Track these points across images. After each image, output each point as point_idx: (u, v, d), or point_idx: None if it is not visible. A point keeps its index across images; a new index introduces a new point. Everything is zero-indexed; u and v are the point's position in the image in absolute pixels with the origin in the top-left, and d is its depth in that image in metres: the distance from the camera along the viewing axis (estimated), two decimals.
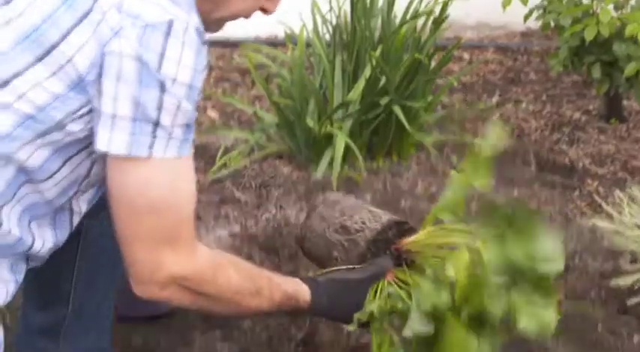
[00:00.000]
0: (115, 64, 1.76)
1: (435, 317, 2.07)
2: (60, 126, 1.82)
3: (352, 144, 3.72)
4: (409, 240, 2.26)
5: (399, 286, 2.16)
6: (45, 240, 1.97)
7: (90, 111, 1.81)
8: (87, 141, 1.86)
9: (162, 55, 1.76)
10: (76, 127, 1.83)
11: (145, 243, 1.86)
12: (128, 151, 1.79)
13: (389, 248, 2.30)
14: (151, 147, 1.79)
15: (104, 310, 2.34)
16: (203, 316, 2.87)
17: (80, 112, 1.81)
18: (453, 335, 2.02)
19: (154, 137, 1.78)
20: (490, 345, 2.06)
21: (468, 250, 2.08)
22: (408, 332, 2.09)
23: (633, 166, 3.99)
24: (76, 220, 2.05)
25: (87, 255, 2.25)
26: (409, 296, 2.12)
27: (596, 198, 3.49)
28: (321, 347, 2.73)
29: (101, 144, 1.80)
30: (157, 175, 1.82)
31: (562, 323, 2.88)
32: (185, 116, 1.81)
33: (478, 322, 2.05)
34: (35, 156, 1.84)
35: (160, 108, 1.77)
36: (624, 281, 2.97)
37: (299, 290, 2.17)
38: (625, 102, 4.59)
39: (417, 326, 2.09)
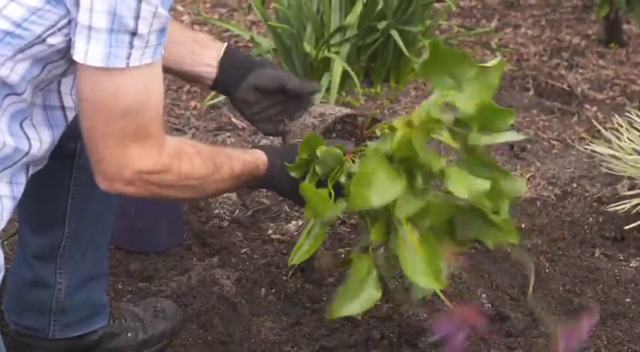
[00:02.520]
0: None
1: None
2: (40, 39, 1.80)
3: (350, 70, 3.69)
4: (375, 126, 2.22)
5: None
6: (42, 140, 1.96)
7: (69, 22, 1.79)
8: (65, 52, 1.84)
9: None
10: (56, 40, 1.81)
11: (114, 142, 1.85)
12: (105, 63, 1.76)
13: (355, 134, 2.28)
14: (128, 58, 1.77)
15: (100, 233, 2.34)
16: (200, 243, 2.88)
17: (59, 25, 1.79)
18: (380, 172, 2.00)
19: (131, 48, 1.76)
20: (419, 199, 2.02)
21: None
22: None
23: (632, 91, 3.97)
24: (71, 115, 2.03)
25: (81, 176, 2.23)
26: None
27: (595, 123, 3.47)
28: (317, 273, 2.74)
29: (78, 56, 1.77)
30: (132, 82, 1.81)
31: (559, 249, 2.91)
32: (160, 21, 1.78)
33: (409, 172, 2.02)
34: (16, 70, 1.82)
35: (137, 17, 1.75)
36: (622, 207, 2.97)
37: (257, 156, 2.12)
38: (625, 26, 4.54)
39: (353, 169, 2.08)
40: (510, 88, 3.95)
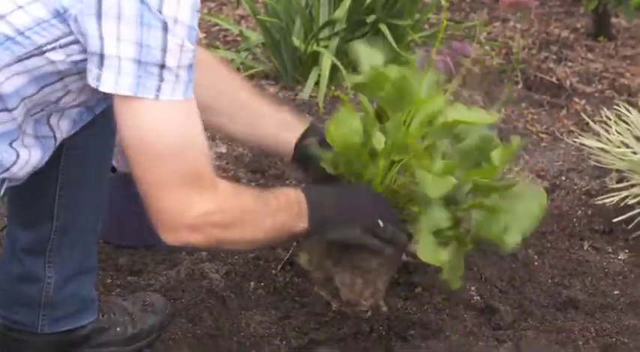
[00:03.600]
0: (114, 4, 1.75)
1: None
2: (40, 51, 1.81)
3: (339, 64, 3.69)
4: None
5: None
6: (30, 160, 1.97)
7: (71, 43, 1.80)
8: (64, 75, 1.86)
9: None
10: (57, 57, 1.82)
11: (171, 188, 1.86)
12: (134, 92, 1.78)
13: None
14: (158, 90, 1.79)
15: (90, 227, 2.33)
16: None
17: (61, 42, 1.80)
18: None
19: (161, 80, 1.78)
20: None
21: None
22: None
23: (621, 84, 3.97)
24: (59, 140, 2.05)
25: (69, 169, 2.23)
26: None
27: (584, 116, 3.48)
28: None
29: (108, 87, 1.79)
30: (169, 117, 1.82)
31: (548, 241, 2.92)
32: (188, 56, 1.80)
33: None
34: (12, 82, 1.83)
35: (164, 49, 1.77)
36: (610, 200, 2.98)
37: (297, 193, 2.11)
38: (613, 20, 4.55)
39: None
40: (499, 82, 3.95)
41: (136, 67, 1.77)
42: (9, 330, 2.34)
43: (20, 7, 1.78)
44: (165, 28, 1.76)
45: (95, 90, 1.85)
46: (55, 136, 2.04)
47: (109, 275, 2.71)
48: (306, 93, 3.71)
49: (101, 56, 1.77)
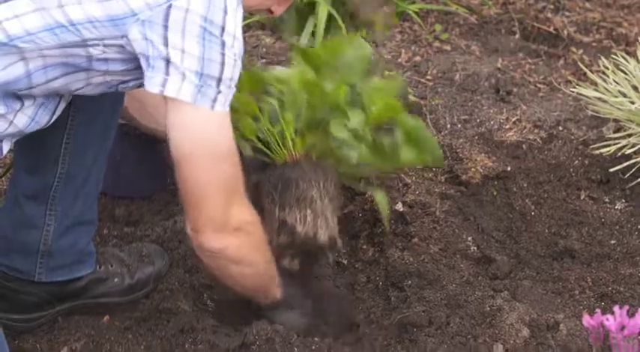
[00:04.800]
0: (180, 18, 1.85)
1: None
2: (84, 43, 1.89)
3: (335, 13, 3.66)
4: None
5: None
6: (34, 103, 2.00)
7: (114, 45, 1.90)
8: (92, 69, 1.95)
9: (225, 12, 1.88)
10: (95, 51, 1.91)
11: (217, 195, 1.99)
12: (194, 100, 1.89)
13: None
14: (214, 100, 1.90)
15: (92, 178, 2.34)
16: None
17: (106, 41, 1.90)
18: None
19: (219, 92, 1.90)
20: None
21: None
22: None
23: (618, 34, 3.95)
24: (62, 106, 2.10)
25: (78, 118, 2.24)
26: None
27: (581, 66, 3.46)
28: None
29: (171, 91, 1.88)
30: (221, 126, 1.95)
31: (544, 192, 2.92)
32: (238, 70, 1.93)
33: None
34: (45, 60, 1.91)
35: (222, 63, 1.89)
36: (607, 150, 2.97)
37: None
38: None
39: None
40: (496, 32, 3.92)
41: (197, 78, 1.88)
42: (7, 280, 2.35)
43: (80, 3, 1.88)
44: (224, 44, 1.88)
45: (108, 85, 2.00)
46: (60, 96, 2.07)
47: (106, 226, 2.71)
48: (302, 43, 3.68)
49: (167, 62, 1.87)
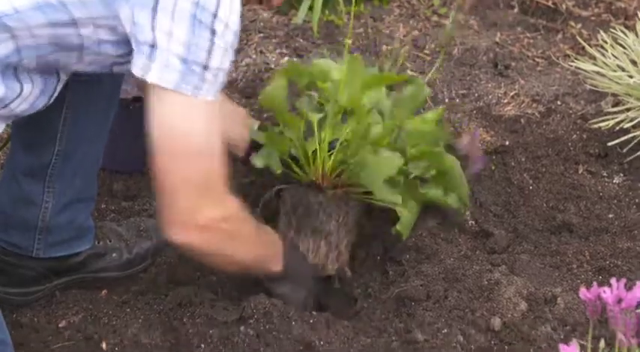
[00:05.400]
0: (170, 1, 1.81)
1: None
2: (74, 23, 1.85)
3: None
4: None
5: None
6: (34, 85, 1.97)
7: (106, 25, 1.86)
8: (85, 49, 1.91)
9: (218, 0, 1.82)
10: (85, 31, 1.87)
11: (190, 190, 1.93)
12: (175, 86, 1.84)
13: None
14: (197, 88, 1.85)
15: (91, 156, 2.34)
16: None
17: (97, 22, 1.86)
18: None
19: (203, 80, 1.85)
20: None
21: None
22: None
23: (617, 8, 3.93)
24: (59, 88, 2.06)
25: (77, 95, 2.23)
26: None
27: (580, 40, 3.45)
28: None
29: (153, 77, 1.84)
30: (202, 116, 1.90)
31: (543, 166, 2.91)
32: (228, 60, 1.88)
33: None
34: (35, 41, 1.86)
35: (210, 51, 1.84)
36: (606, 124, 2.97)
37: (279, 240, 2.33)
38: None
39: None
40: (494, 6, 3.91)
41: (182, 63, 1.83)
42: (5, 254, 2.35)
43: None
44: (214, 32, 1.83)
45: (102, 64, 1.96)
46: (58, 76, 2.04)
47: (104, 201, 2.71)
48: (300, 18, 3.68)
49: (152, 47, 1.83)
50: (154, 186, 1.97)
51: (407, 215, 2.48)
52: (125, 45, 1.90)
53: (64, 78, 2.05)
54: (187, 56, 1.83)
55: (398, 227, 2.46)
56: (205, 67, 1.85)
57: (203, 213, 1.97)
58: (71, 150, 2.29)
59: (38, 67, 1.95)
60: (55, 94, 2.06)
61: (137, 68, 1.86)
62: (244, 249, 2.17)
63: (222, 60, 1.87)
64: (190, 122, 1.89)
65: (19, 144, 2.31)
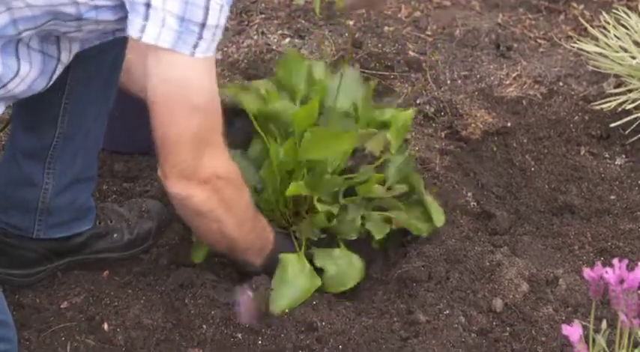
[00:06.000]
0: None
1: None
2: None
3: None
4: None
5: None
6: (32, 66, 1.96)
7: None
8: (82, 18, 1.89)
9: None
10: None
11: (190, 143, 1.96)
12: (173, 46, 1.84)
13: None
14: (194, 46, 1.85)
15: (92, 137, 2.33)
16: None
17: None
18: None
19: (200, 38, 1.84)
20: None
21: None
22: None
23: None
24: (59, 70, 2.05)
25: (78, 75, 2.22)
26: None
27: (582, 21, 3.44)
28: None
29: (149, 38, 1.83)
30: (200, 74, 1.90)
31: (544, 147, 2.91)
32: (224, 17, 1.87)
33: None
34: (31, 12, 1.85)
35: (207, 8, 1.82)
36: (608, 105, 2.96)
37: (270, 234, 2.34)
38: None
39: None
40: None
41: (179, 22, 1.82)
42: (6, 235, 2.34)
43: None
44: None
45: (102, 32, 1.95)
46: (59, 58, 2.03)
47: (105, 182, 2.70)
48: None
49: (147, 6, 1.81)
50: (155, 138, 1.99)
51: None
52: (122, 12, 1.88)
53: (64, 59, 2.04)
54: (184, 15, 1.82)
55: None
56: (203, 26, 1.84)
57: (204, 164, 1.99)
58: (72, 131, 2.28)
59: (38, 41, 1.94)
60: (55, 77, 2.04)
61: (133, 29, 1.85)
62: (236, 221, 2.17)
63: (219, 17, 1.86)
64: (189, 80, 1.90)
65: (20, 126, 2.30)
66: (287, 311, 2.26)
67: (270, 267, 2.34)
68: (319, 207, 2.41)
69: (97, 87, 2.27)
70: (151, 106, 1.94)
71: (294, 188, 2.37)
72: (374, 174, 2.51)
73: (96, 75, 2.25)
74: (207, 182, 2.01)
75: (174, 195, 2.06)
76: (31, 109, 2.25)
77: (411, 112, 2.64)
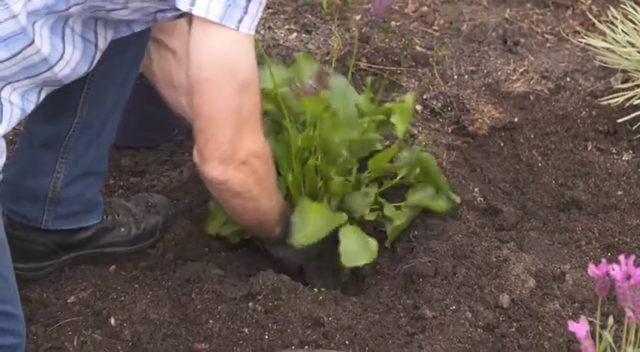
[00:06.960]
0: None
1: None
2: None
3: None
4: None
5: None
6: (75, 48, 1.97)
7: None
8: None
9: None
10: None
11: (232, 124, 1.97)
12: (221, 20, 1.86)
13: None
14: (240, 21, 1.87)
15: (107, 129, 2.34)
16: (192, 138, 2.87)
17: None
18: None
19: (245, 13, 1.86)
20: None
21: None
22: None
23: None
24: (97, 57, 2.07)
25: (100, 67, 2.21)
26: None
27: (590, 16, 3.43)
28: None
29: (200, 10, 1.85)
30: (243, 50, 1.92)
31: (552, 143, 2.91)
32: None
33: None
34: None
35: None
36: (615, 100, 2.96)
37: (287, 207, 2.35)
38: None
39: None
40: None
41: None
42: (13, 228, 2.34)
43: None
44: None
45: (146, 12, 1.96)
46: (96, 44, 2.04)
47: (112, 176, 2.71)
48: None
49: None
50: (193, 121, 2.00)
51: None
52: None
53: (101, 46, 2.05)
54: None
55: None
56: (249, 1, 1.87)
57: (244, 145, 2.01)
58: (89, 122, 2.29)
59: (80, 24, 1.95)
60: (95, 62, 2.06)
61: (183, 2, 1.87)
62: (267, 195, 2.20)
63: None
64: (236, 55, 1.92)
65: (39, 114, 2.30)
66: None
67: (284, 234, 2.35)
68: (334, 177, 2.42)
69: (118, 79, 2.29)
70: (194, 85, 1.95)
71: (312, 161, 2.39)
72: (386, 150, 2.52)
73: (118, 67, 2.26)
74: (244, 163, 2.03)
75: (212, 179, 2.06)
76: (51, 98, 2.25)
77: (411, 96, 2.63)
